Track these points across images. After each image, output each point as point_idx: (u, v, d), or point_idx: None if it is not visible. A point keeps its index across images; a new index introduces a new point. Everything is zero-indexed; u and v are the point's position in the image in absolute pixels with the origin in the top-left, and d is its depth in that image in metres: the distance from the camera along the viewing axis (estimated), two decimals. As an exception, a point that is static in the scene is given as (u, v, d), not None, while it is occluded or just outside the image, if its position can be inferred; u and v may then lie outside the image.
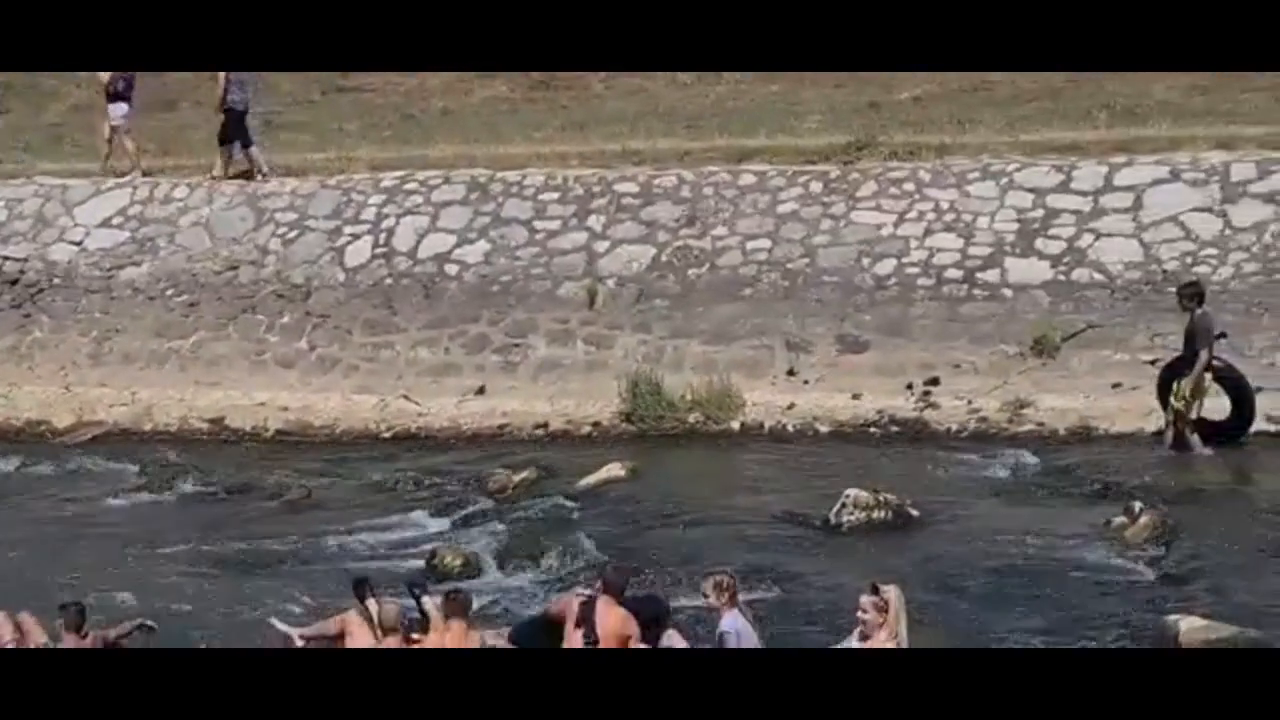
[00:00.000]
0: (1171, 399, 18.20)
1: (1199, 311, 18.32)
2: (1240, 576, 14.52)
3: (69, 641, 12.76)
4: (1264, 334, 20.01)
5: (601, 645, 11.74)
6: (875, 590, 10.98)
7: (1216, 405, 18.25)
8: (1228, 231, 20.92)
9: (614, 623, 11.89)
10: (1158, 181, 21.48)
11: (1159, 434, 18.39)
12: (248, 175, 25.62)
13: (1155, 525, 15.70)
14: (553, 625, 12.32)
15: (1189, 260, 20.76)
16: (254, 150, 25.66)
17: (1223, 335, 18.45)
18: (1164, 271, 20.75)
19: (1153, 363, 19.62)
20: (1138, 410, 19.21)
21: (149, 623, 13.34)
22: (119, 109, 26.13)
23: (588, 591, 12.29)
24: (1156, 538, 15.50)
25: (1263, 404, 18.94)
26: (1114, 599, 14.12)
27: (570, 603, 12.23)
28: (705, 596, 11.90)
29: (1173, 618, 13.12)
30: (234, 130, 25.51)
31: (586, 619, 11.90)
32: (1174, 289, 20.21)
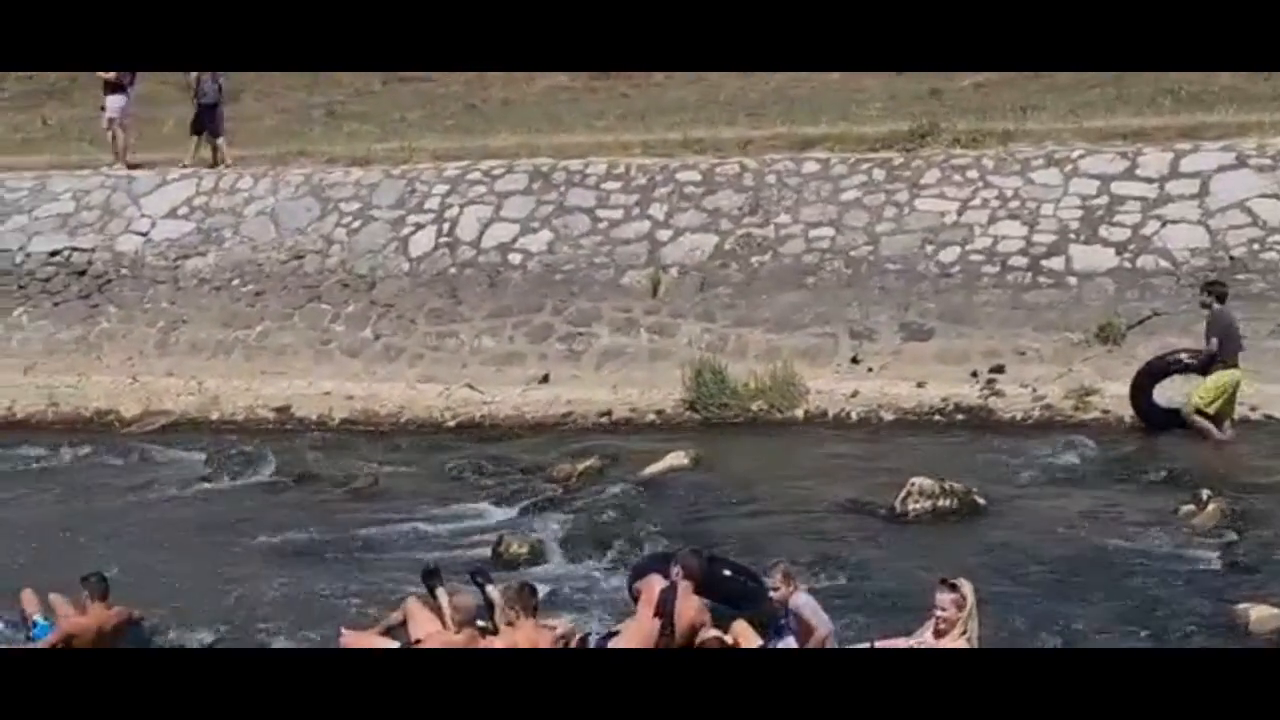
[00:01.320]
0: (1196, 399, 18.24)
1: (1218, 308, 18.35)
2: (1307, 564, 14.44)
3: (96, 610, 12.94)
4: (1330, 322, 19.87)
5: (676, 636, 11.84)
6: (950, 586, 10.94)
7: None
8: (1296, 218, 20.79)
9: (689, 614, 11.99)
10: (1224, 168, 21.37)
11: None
12: (211, 165, 26.20)
13: (1223, 513, 15.65)
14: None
15: (1256, 246, 20.65)
16: (221, 141, 26.37)
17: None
18: (1231, 258, 20.65)
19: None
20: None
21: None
22: (116, 101, 26.56)
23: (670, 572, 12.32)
24: (1225, 525, 15.44)
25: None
26: (1182, 588, 14.03)
27: (652, 588, 12.27)
28: (775, 590, 11.95)
29: (1242, 606, 13.06)
30: (205, 121, 26.32)
31: (666, 608, 11.98)
32: (1241, 275, 20.22)
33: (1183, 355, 18.68)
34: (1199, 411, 18.26)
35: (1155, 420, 18.76)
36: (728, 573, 13.00)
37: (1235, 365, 18.30)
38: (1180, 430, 18.46)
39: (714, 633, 11.98)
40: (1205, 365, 18.35)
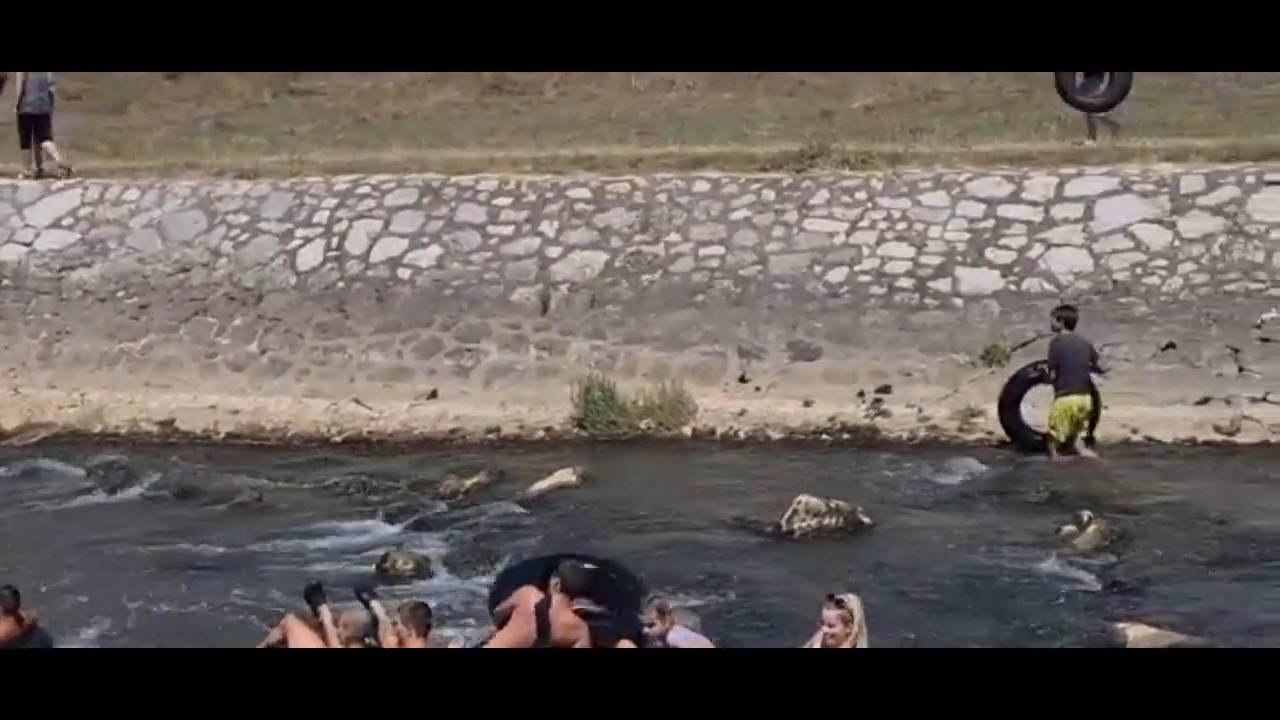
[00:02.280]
0: (1048, 426, 18.66)
1: (1066, 334, 18.70)
2: (1185, 584, 14.67)
3: (5, 625, 12.77)
4: (1212, 345, 20.17)
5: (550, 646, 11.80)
6: (837, 601, 10.99)
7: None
8: (1177, 243, 21.06)
9: (564, 628, 11.93)
10: (1108, 193, 21.60)
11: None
12: (39, 175, 25.74)
13: (1103, 534, 15.88)
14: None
15: (1138, 271, 20.91)
16: (49, 145, 25.77)
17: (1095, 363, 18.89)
18: (1114, 282, 20.90)
19: (1103, 372, 19.77)
20: (1087, 419, 19.34)
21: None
22: None
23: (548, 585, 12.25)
24: (1105, 546, 15.66)
25: (1207, 415, 19.25)
26: (1063, 607, 14.22)
27: (527, 599, 12.22)
28: (651, 626, 11.89)
29: (1120, 625, 13.25)
30: (32, 131, 25.64)
31: (541, 617, 11.94)
32: (1124, 299, 20.53)
33: (1043, 366, 18.98)
34: (1059, 445, 18.65)
35: (1024, 439, 19.03)
36: (613, 575, 13.02)
37: (1077, 391, 18.60)
38: (1070, 453, 18.72)
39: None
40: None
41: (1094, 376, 18.87)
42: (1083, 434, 18.75)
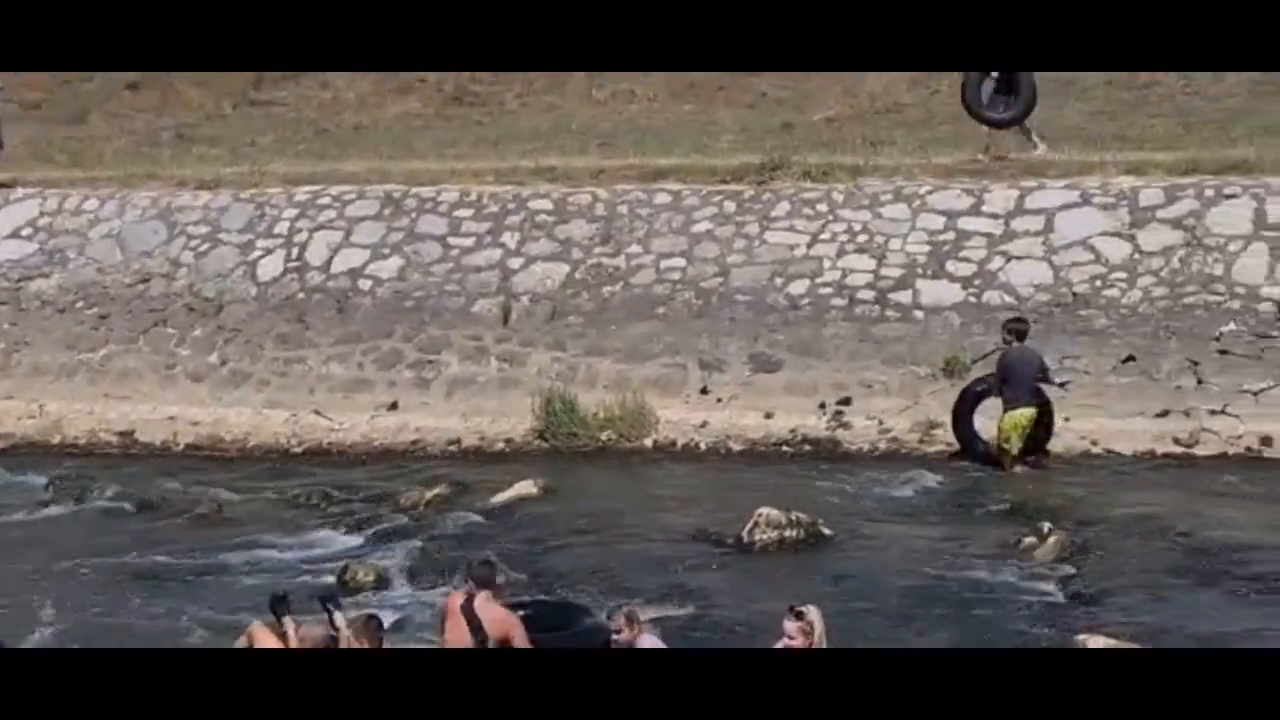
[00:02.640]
0: (999, 439, 18.75)
1: (1016, 346, 18.80)
2: (1145, 596, 14.76)
3: None
4: (1171, 358, 20.26)
5: (490, 643, 11.90)
6: (798, 614, 10.99)
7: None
8: (1136, 255, 21.15)
9: (497, 622, 12.11)
10: (1068, 205, 21.70)
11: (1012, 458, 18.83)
12: None
13: (1063, 545, 15.93)
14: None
15: (1098, 283, 20.99)
16: None
17: (1044, 375, 18.94)
18: (1074, 294, 20.98)
19: (1063, 385, 19.87)
20: (1047, 431, 19.42)
21: None
22: None
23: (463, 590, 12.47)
24: (1065, 558, 15.72)
25: (1167, 427, 19.35)
26: (1023, 618, 14.27)
27: (452, 602, 12.39)
28: (619, 633, 11.90)
29: (1080, 637, 13.27)
30: None
31: (470, 617, 12.08)
32: (1084, 312, 20.62)
33: (990, 379, 19.12)
34: (1013, 458, 18.75)
35: (975, 451, 19.12)
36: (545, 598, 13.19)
37: (1024, 404, 18.69)
38: (1025, 464, 18.84)
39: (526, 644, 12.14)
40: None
41: (1051, 389, 18.95)
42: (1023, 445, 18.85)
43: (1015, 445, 18.71)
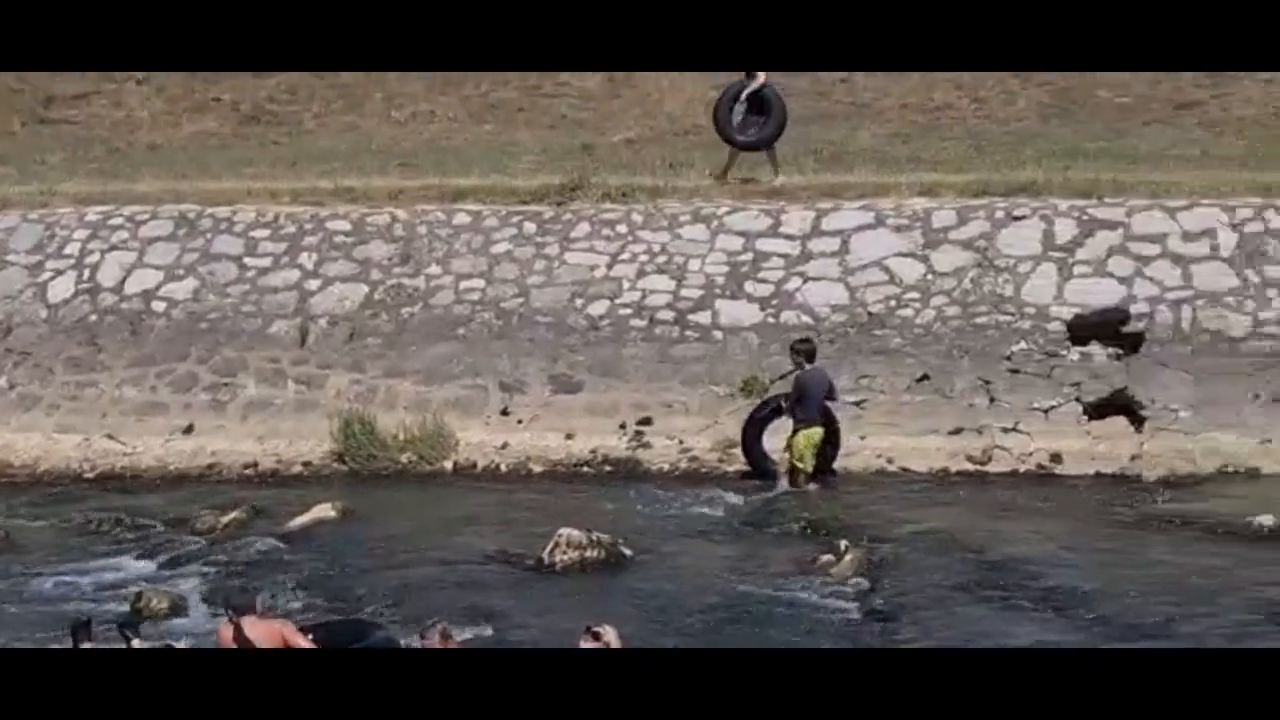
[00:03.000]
0: (791, 458, 19.03)
1: (809, 367, 19.06)
2: (938, 611, 14.96)
3: None
4: (964, 376, 20.62)
5: None
6: (594, 634, 10.99)
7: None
8: (930, 276, 21.48)
9: (269, 633, 12.22)
10: (863, 227, 21.96)
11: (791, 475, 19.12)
12: None
13: (860, 562, 16.11)
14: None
15: (892, 304, 21.29)
16: None
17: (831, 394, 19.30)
18: (869, 314, 21.25)
19: (859, 403, 20.16)
20: (843, 450, 19.63)
21: None
22: None
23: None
24: (861, 574, 15.89)
25: (960, 444, 19.69)
26: (821, 635, 14.38)
27: (224, 634, 12.41)
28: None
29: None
30: None
31: (244, 642, 12.11)
32: (879, 331, 20.90)
33: (781, 400, 19.40)
34: (807, 476, 19.03)
35: (765, 470, 19.37)
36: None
37: (816, 423, 19.01)
38: (817, 482, 19.11)
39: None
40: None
41: (838, 408, 19.34)
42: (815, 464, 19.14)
43: (809, 464, 18.99)
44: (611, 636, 10.98)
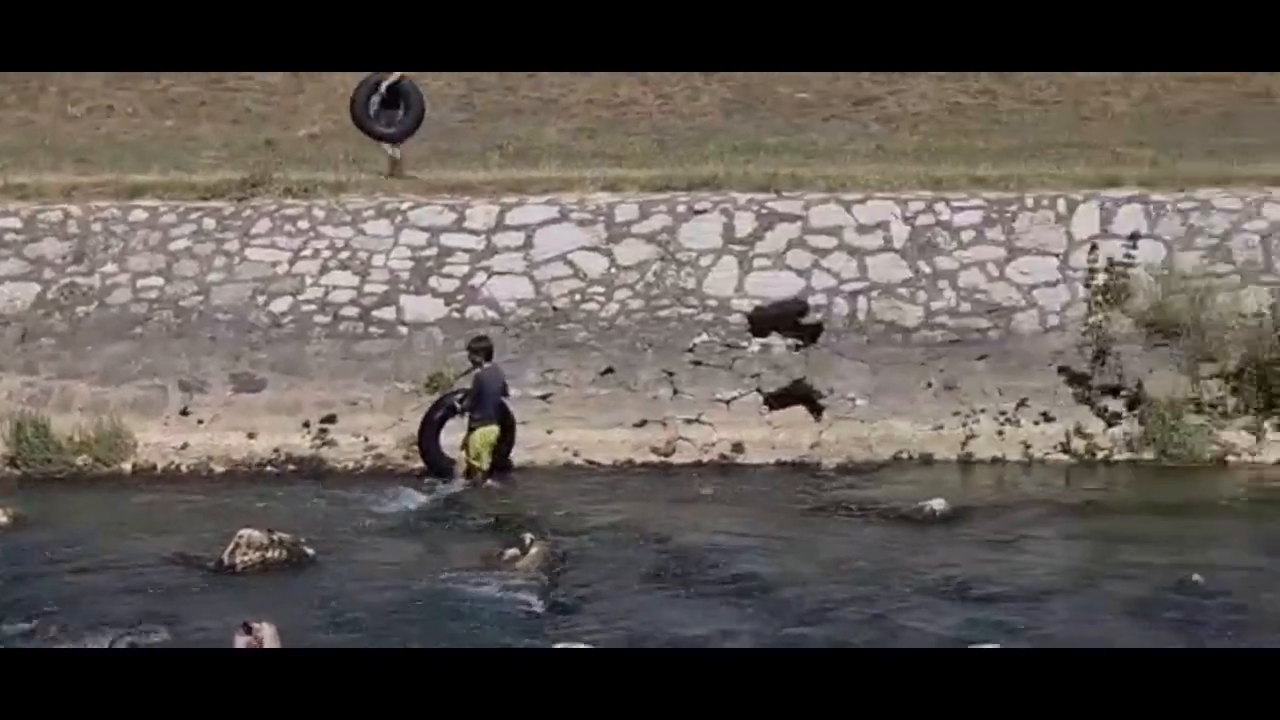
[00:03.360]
0: (469, 456, 19.22)
1: (486, 365, 19.21)
2: (623, 602, 15.07)
3: None
4: (648, 369, 20.86)
5: None
6: (248, 629, 10.81)
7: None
8: (614, 270, 21.64)
9: None
10: (547, 221, 22.02)
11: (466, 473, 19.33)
12: None
13: (545, 556, 16.18)
14: None
15: (577, 298, 21.40)
16: None
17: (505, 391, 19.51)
18: (554, 308, 21.33)
19: (545, 397, 20.25)
20: (529, 444, 19.76)
21: None
22: None
23: None
24: (546, 568, 15.95)
25: (644, 436, 19.91)
26: (505, 630, 14.33)
27: None
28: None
29: (559, 646, 13.42)
30: None
31: None
32: (564, 326, 21.01)
33: (457, 398, 19.51)
34: (484, 474, 19.20)
35: (442, 468, 19.43)
36: None
37: (493, 421, 19.21)
38: (495, 479, 19.30)
39: None
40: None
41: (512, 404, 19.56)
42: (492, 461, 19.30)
43: (486, 461, 19.18)
44: (268, 634, 10.80)
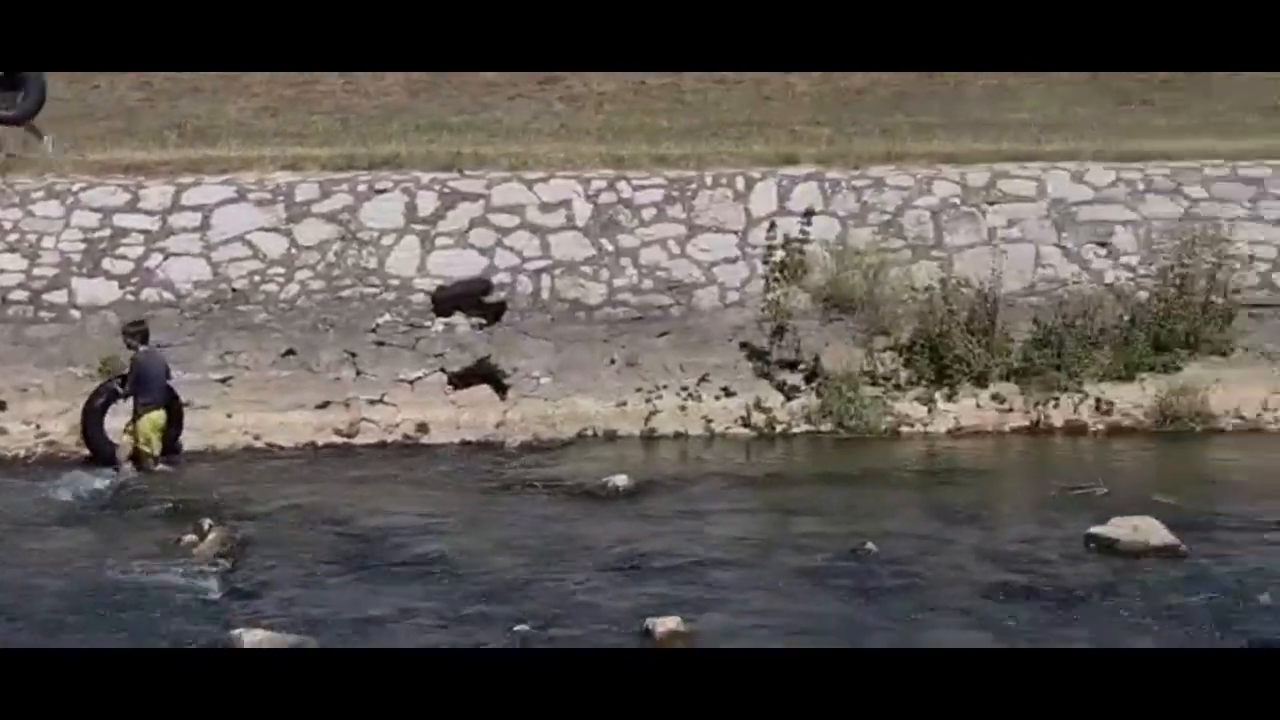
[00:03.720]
0: (133, 440, 18.93)
1: (144, 349, 19.10)
2: (304, 587, 14.91)
3: None
4: (330, 350, 20.69)
5: None
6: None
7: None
8: (294, 250, 21.36)
9: None
10: (225, 201, 21.63)
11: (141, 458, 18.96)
12: None
13: (225, 541, 16.00)
14: None
15: (257, 279, 21.10)
16: None
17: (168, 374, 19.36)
18: (233, 290, 21.00)
19: (224, 380, 19.94)
20: (209, 428, 19.46)
21: None
22: None
23: None
24: (226, 553, 15.75)
25: (328, 418, 19.73)
26: (183, 616, 14.12)
27: None
28: None
29: (236, 631, 13.28)
30: None
31: None
32: (243, 307, 20.72)
33: (116, 385, 19.25)
34: (154, 459, 18.94)
35: (106, 455, 19.12)
36: None
37: (157, 405, 18.99)
38: (165, 463, 19.02)
39: None
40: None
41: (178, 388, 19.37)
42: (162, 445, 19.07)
43: (155, 445, 18.95)
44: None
